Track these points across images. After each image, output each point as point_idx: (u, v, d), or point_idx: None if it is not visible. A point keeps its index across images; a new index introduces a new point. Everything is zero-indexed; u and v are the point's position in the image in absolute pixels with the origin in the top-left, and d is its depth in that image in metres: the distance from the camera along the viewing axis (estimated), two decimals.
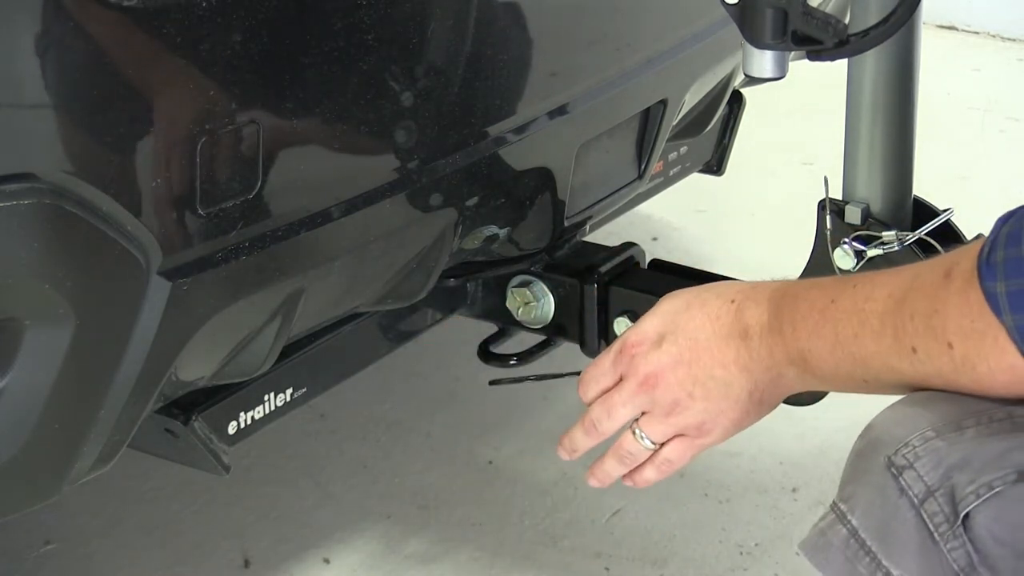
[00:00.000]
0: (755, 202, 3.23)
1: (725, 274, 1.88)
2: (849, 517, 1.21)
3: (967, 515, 1.13)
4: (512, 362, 1.97)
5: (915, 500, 1.16)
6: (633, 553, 2.18)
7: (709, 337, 1.33)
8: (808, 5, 1.37)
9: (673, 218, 3.09)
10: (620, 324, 1.85)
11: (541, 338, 1.96)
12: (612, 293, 1.87)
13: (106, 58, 1.18)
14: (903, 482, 1.16)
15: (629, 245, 1.95)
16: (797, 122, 3.66)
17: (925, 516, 1.15)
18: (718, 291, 1.34)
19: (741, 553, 2.17)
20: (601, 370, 1.40)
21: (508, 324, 1.95)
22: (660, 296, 1.75)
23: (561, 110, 1.71)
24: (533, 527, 2.23)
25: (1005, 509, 1.13)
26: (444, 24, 1.48)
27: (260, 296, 1.42)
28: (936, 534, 1.15)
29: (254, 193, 1.32)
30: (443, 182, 1.55)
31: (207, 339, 1.38)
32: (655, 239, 3.03)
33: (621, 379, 1.37)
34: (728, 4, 1.38)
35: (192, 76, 1.24)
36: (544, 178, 1.75)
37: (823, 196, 1.66)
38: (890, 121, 1.67)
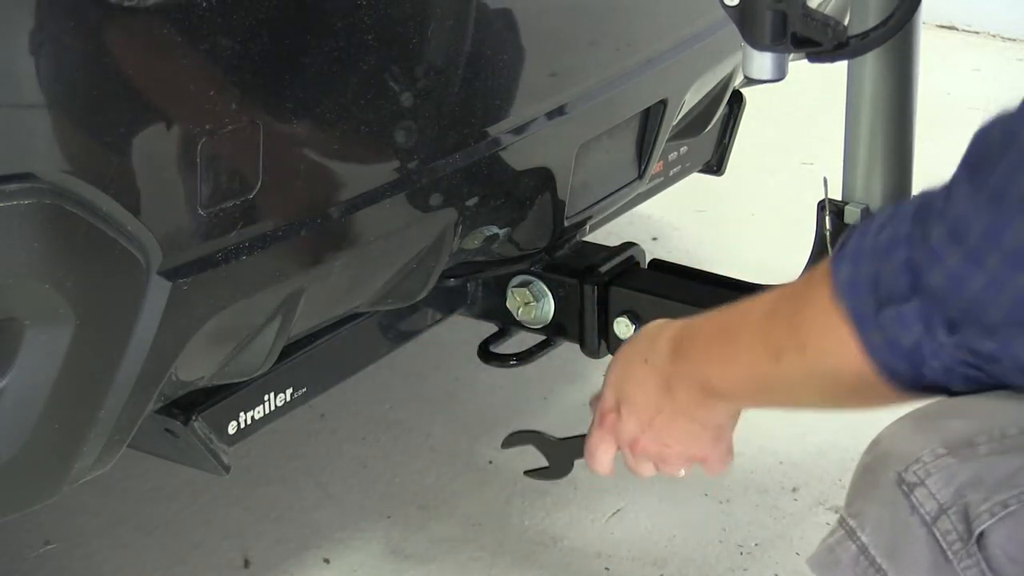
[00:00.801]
0: (755, 202, 3.23)
1: (725, 274, 1.88)
2: (859, 534, 1.20)
3: (981, 534, 1.13)
4: (512, 362, 1.97)
5: (927, 518, 1.15)
6: (633, 553, 2.18)
7: (647, 400, 1.47)
8: (808, 7, 1.37)
9: (673, 218, 3.09)
10: (620, 324, 1.85)
11: (541, 338, 1.96)
12: (612, 293, 1.87)
13: (106, 58, 1.18)
14: (914, 500, 1.15)
15: (629, 245, 1.95)
16: (797, 122, 3.65)
17: (938, 534, 1.14)
18: (639, 348, 1.48)
19: (741, 553, 2.17)
20: (597, 442, 1.56)
21: (508, 324, 1.95)
22: (660, 296, 1.79)
23: (561, 110, 1.71)
24: (533, 527, 2.23)
25: (1019, 528, 1.12)
26: (444, 24, 1.48)
27: (260, 296, 1.42)
28: (949, 552, 1.14)
29: (254, 193, 1.32)
30: (443, 182, 1.55)
31: (207, 339, 1.38)
32: (655, 239, 3.03)
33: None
34: (728, 6, 1.38)
35: (192, 76, 1.24)
36: (544, 178, 1.75)
37: (823, 196, 1.66)
38: (890, 121, 1.67)
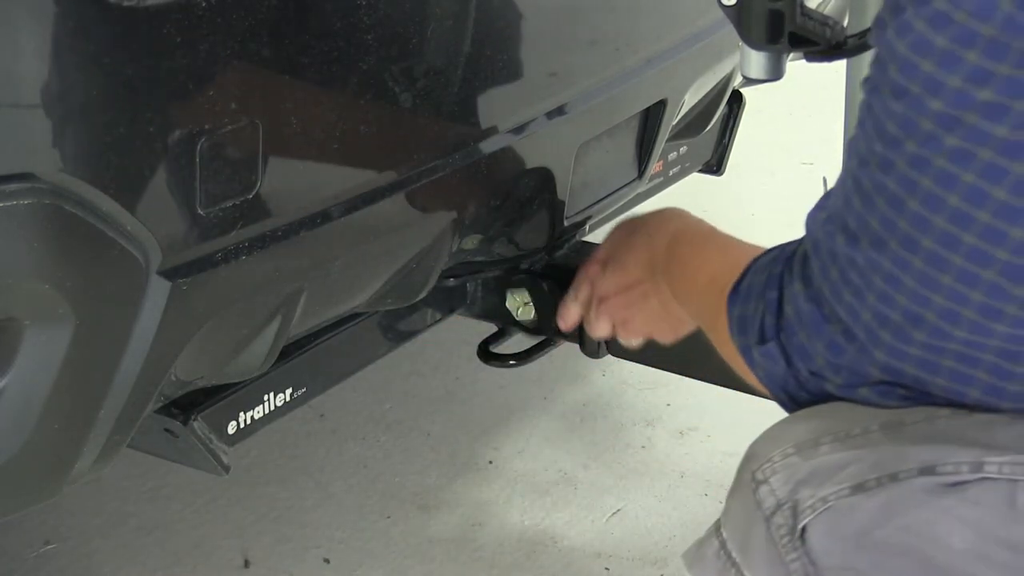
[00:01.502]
0: (755, 202, 3.23)
1: None
2: (721, 530, 1.26)
3: (804, 528, 1.16)
4: (512, 362, 1.97)
5: (766, 513, 1.19)
6: (633, 553, 2.19)
7: (633, 268, 1.65)
8: (805, 7, 1.37)
9: None
10: None
11: (540, 338, 1.96)
12: None
13: (106, 58, 1.18)
14: (759, 496, 1.19)
15: None
16: (797, 122, 3.66)
17: (772, 529, 1.18)
18: (649, 222, 1.67)
19: None
20: (577, 285, 1.78)
21: (508, 324, 1.95)
22: None
23: (561, 110, 1.71)
24: (533, 527, 2.23)
25: (835, 522, 1.15)
26: (444, 24, 1.48)
27: (260, 296, 1.42)
28: (779, 546, 1.17)
29: (254, 193, 1.32)
30: (443, 182, 1.55)
31: (207, 339, 1.38)
32: None
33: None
34: (725, 5, 1.39)
35: (192, 76, 1.24)
36: (544, 178, 1.75)
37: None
38: None
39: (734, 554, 1.24)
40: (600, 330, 1.74)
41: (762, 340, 1.27)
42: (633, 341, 1.74)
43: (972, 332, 1.12)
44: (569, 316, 1.81)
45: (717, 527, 1.26)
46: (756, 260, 1.33)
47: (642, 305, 1.64)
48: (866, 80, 1.14)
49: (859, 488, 1.14)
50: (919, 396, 1.18)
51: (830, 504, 1.15)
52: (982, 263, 1.09)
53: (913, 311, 1.13)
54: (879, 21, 1.12)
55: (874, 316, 1.16)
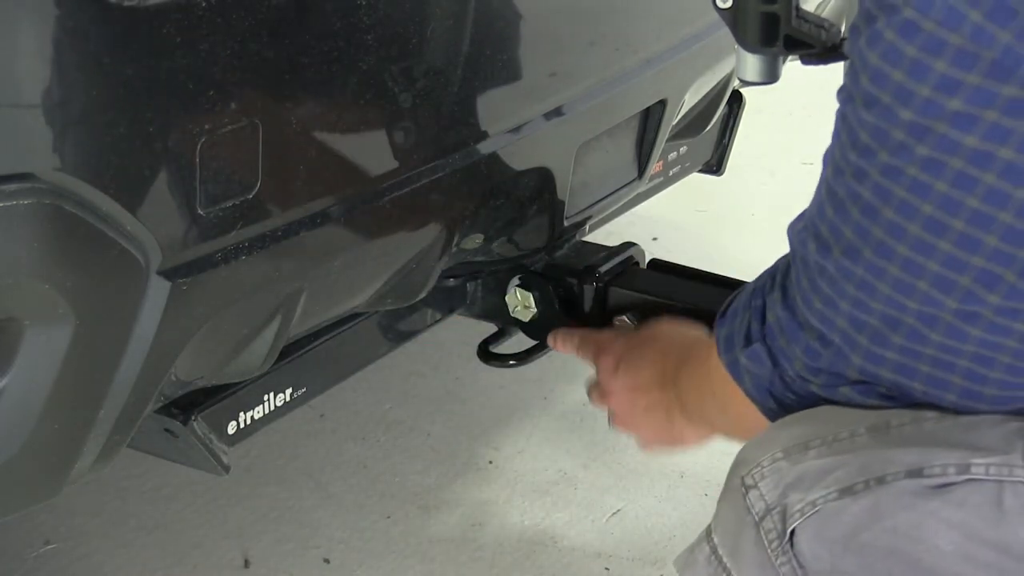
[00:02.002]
0: (755, 202, 3.23)
1: (725, 274, 1.88)
2: (712, 535, 1.27)
3: (792, 532, 1.16)
4: (512, 362, 1.97)
5: (756, 518, 1.19)
6: (633, 553, 2.19)
7: (644, 378, 1.63)
8: (801, 9, 1.37)
9: (673, 218, 3.09)
10: (619, 324, 1.85)
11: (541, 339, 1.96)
12: (611, 293, 1.87)
13: (106, 58, 1.18)
14: (748, 501, 1.20)
15: (629, 245, 1.95)
16: (797, 122, 3.66)
17: (762, 533, 1.18)
18: (667, 333, 1.68)
19: None
20: (595, 357, 1.75)
21: (508, 324, 1.96)
22: (659, 296, 1.81)
23: (560, 110, 1.71)
24: (533, 527, 2.23)
25: (823, 525, 1.16)
26: (443, 24, 1.48)
27: (260, 296, 1.42)
28: (769, 550, 1.18)
29: (254, 193, 1.32)
30: (443, 182, 1.56)
31: (207, 339, 1.38)
32: (655, 239, 3.03)
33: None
34: (720, 8, 1.39)
35: (192, 76, 1.24)
36: (544, 178, 1.75)
37: None
38: None
39: (725, 559, 1.24)
40: (600, 407, 1.74)
41: (748, 343, 1.29)
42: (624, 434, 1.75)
43: (948, 336, 1.13)
44: (565, 345, 1.84)
45: (708, 532, 1.27)
46: (736, 294, 1.36)
47: (645, 415, 1.63)
48: (840, 90, 1.15)
49: (847, 491, 1.14)
50: (900, 395, 1.19)
51: (818, 508, 1.15)
52: (957, 269, 1.09)
53: (890, 316, 1.14)
54: (853, 30, 1.13)
55: (850, 322, 1.17)
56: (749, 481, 1.20)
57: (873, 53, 1.09)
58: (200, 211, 1.28)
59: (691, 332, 1.65)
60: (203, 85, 1.25)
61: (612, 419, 1.72)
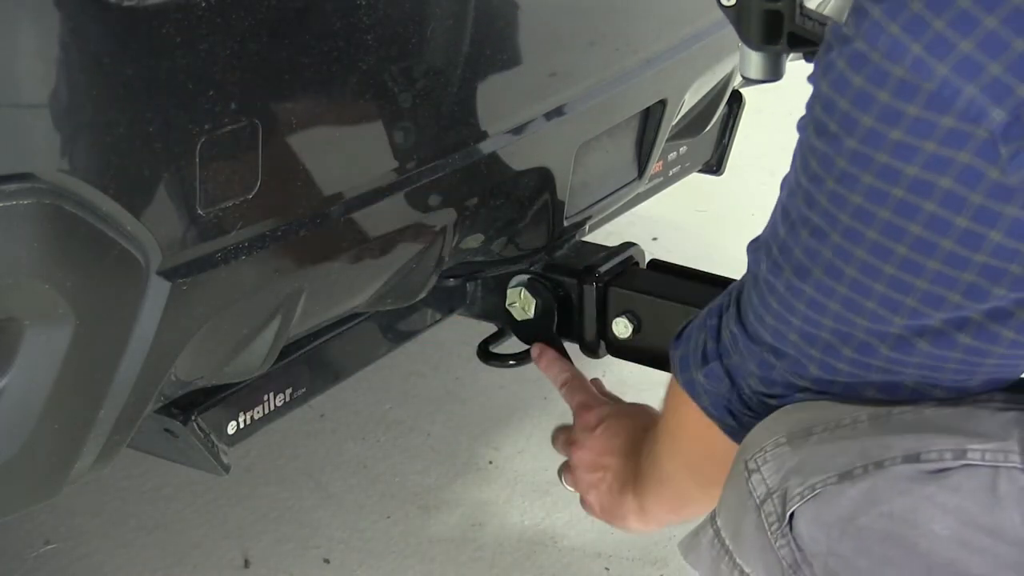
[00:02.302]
0: (755, 202, 3.22)
1: (725, 274, 1.88)
2: (716, 519, 1.28)
3: (792, 515, 1.17)
4: (512, 362, 1.97)
5: (757, 501, 1.21)
6: (633, 553, 2.19)
7: (612, 458, 1.67)
8: (804, 7, 1.38)
9: (673, 218, 3.09)
10: (619, 324, 1.85)
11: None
12: (611, 293, 1.87)
13: (106, 58, 1.18)
14: (751, 485, 1.21)
15: (629, 245, 1.95)
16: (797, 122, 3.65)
17: (763, 516, 1.20)
18: (645, 413, 1.70)
19: None
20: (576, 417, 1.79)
21: (508, 324, 1.95)
22: (659, 296, 1.81)
23: (560, 110, 1.71)
24: (533, 527, 2.23)
25: (821, 509, 1.17)
26: (443, 24, 1.48)
27: (260, 296, 1.42)
28: (768, 533, 1.19)
29: (254, 193, 1.32)
30: (443, 182, 1.56)
31: (207, 339, 1.38)
32: (655, 239, 3.03)
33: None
34: (724, 6, 1.39)
35: (192, 76, 1.24)
36: (543, 178, 1.75)
37: None
38: None
39: (727, 541, 1.26)
40: (567, 482, 1.79)
41: (704, 361, 1.32)
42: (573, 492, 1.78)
43: (896, 350, 1.15)
44: (545, 363, 1.89)
45: (712, 515, 1.29)
46: (689, 319, 1.39)
47: (601, 480, 1.68)
48: (800, 118, 1.18)
49: (846, 476, 1.16)
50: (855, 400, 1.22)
51: (817, 491, 1.17)
52: (903, 291, 1.12)
53: (841, 331, 1.17)
54: (816, 60, 1.15)
55: (801, 336, 1.19)
56: (752, 465, 1.22)
57: (825, 81, 1.12)
58: (200, 211, 1.28)
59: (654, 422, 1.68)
60: (203, 85, 1.25)
61: (564, 471, 1.77)
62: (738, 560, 1.25)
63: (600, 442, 1.70)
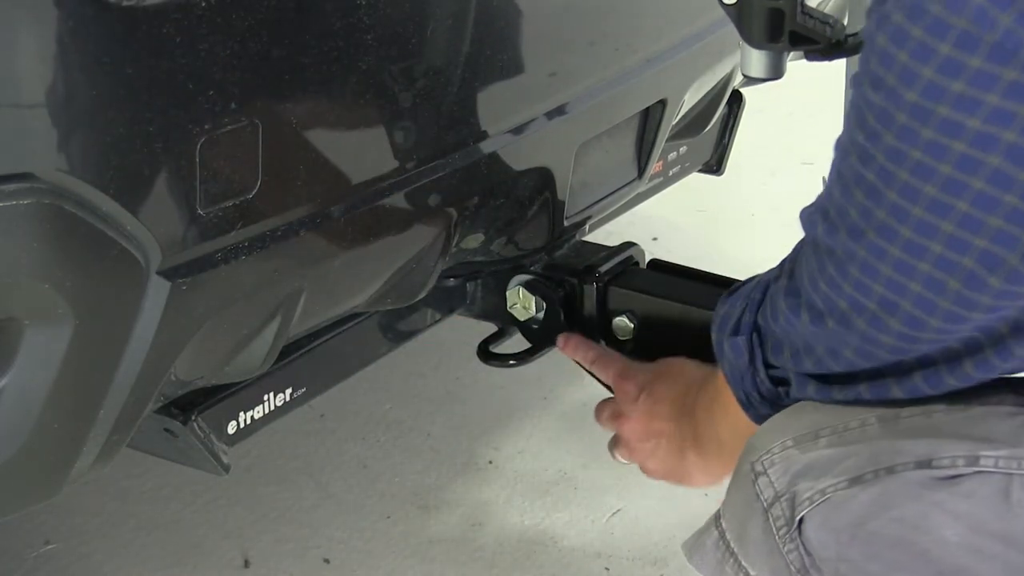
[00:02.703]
0: (755, 202, 3.23)
1: (725, 274, 1.88)
2: (721, 521, 1.29)
3: (801, 519, 1.17)
4: (512, 362, 1.97)
5: (765, 504, 1.20)
6: (633, 553, 2.19)
7: (663, 407, 1.61)
8: (806, 5, 1.38)
9: (673, 218, 3.09)
10: (619, 324, 1.85)
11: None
12: (611, 293, 1.87)
13: (106, 58, 1.18)
14: (758, 487, 1.20)
15: (629, 245, 1.94)
16: (797, 122, 3.66)
17: (771, 520, 1.19)
18: (691, 368, 1.63)
19: None
20: (616, 388, 1.72)
21: (508, 324, 1.95)
22: (659, 296, 1.81)
23: (560, 110, 1.71)
24: (533, 527, 2.23)
25: (831, 514, 1.17)
26: (443, 24, 1.48)
27: (260, 296, 1.42)
28: (776, 537, 1.19)
29: (254, 193, 1.32)
30: (443, 182, 1.55)
31: (207, 339, 1.38)
32: (655, 239, 3.03)
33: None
34: (726, 4, 1.39)
35: (192, 76, 1.24)
36: (544, 178, 1.75)
37: None
38: None
39: (732, 544, 1.25)
40: (620, 454, 1.73)
41: (735, 332, 1.31)
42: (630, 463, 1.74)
43: (946, 321, 1.13)
44: (573, 350, 1.84)
45: (716, 517, 1.28)
46: (746, 280, 1.37)
47: (658, 446, 1.63)
48: (855, 74, 1.16)
49: (856, 481, 1.15)
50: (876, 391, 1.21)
51: (827, 496, 1.16)
52: (960, 251, 1.09)
53: (889, 299, 1.14)
54: (868, 14, 1.13)
55: (850, 305, 1.17)
56: (759, 468, 1.21)
57: (882, 34, 1.09)
58: (200, 211, 1.28)
59: (706, 368, 1.64)
60: (203, 85, 1.25)
61: (616, 445, 1.72)
62: (743, 563, 1.25)
63: (646, 410, 1.65)
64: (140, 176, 1.23)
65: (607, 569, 2.16)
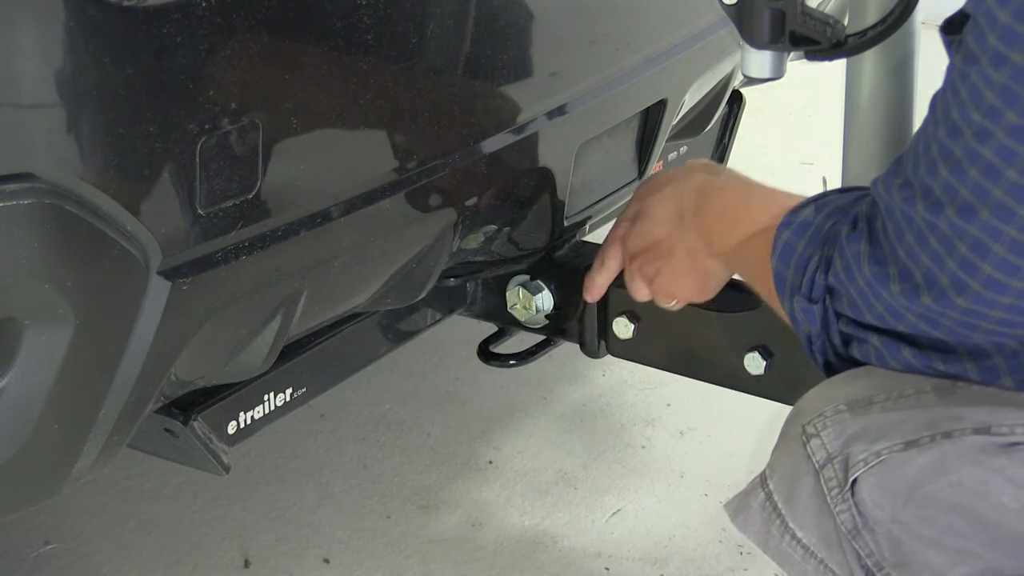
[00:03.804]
0: None
1: None
2: (768, 482, 1.27)
3: (855, 481, 1.16)
4: (512, 362, 1.97)
5: (816, 466, 1.20)
6: (633, 553, 2.18)
7: (661, 219, 1.60)
8: (806, 5, 1.38)
9: None
10: (619, 324, 1.85)
11: (541, 338, 1.96)
12: (611, 293, 1.87)
13: (106, 58, 1.18)
14: (809, 449, 1.20)
15: None
16: (797, 122, 3.66)
17: (822, 481, 1.19)
18: (676, 174, 1.63)
19: (741, 553, 2.18)
20: (606, 248, 1.72)
21: (508, 324, 1.95)
22: None
23: (561, 110, 1.71)
24: (533, 527, 2.23)
25: (886, 476, 1.16)
26: (444, 24, 1.48)
27: (260, 296, 1.42)
28: (828, 498, 1.18)
29: (254, 193, 1.32)
30: (443, 182, 1.56)
31: (207, 339, 1.38)
32: None
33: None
34: (726, 4, 1.39)
35: (192, 76, 1.24)
36: (544, 178, 1.75)
37: None
38: (889, 121, 1.67)
39: (780, 505, 1.24)
40: (637, 291, 1.68)
41: (809, 300, 1.28)
42: (671, 303, 1.68)
43: None
44: (594, 287, 1.77)
45: (763, 478, 1.27)
46: (822, 197, 1.33)
47: (668, 260, 1.60)
48: (960, 48, 1.13)
49: (912, 444, 1.15)
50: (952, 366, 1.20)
51: (882, 458, 1.15)
52: None
53: (996, 279, 1.12)
54: None
55: (952, 282, 1.14)
56: (811, 430, 1.20)
57: (1004, 11, 1.07)
58: (200, 211, 1.28)
59: (700, 167, 1.63)
60: (203, 85, 1.25)
61: (632, 280, 1.68)
62: (791, 524, 1.23)
63: (642, 233, 1.63)
64: (140, 176, 1.23)
65: (607, 569, 2.16)
